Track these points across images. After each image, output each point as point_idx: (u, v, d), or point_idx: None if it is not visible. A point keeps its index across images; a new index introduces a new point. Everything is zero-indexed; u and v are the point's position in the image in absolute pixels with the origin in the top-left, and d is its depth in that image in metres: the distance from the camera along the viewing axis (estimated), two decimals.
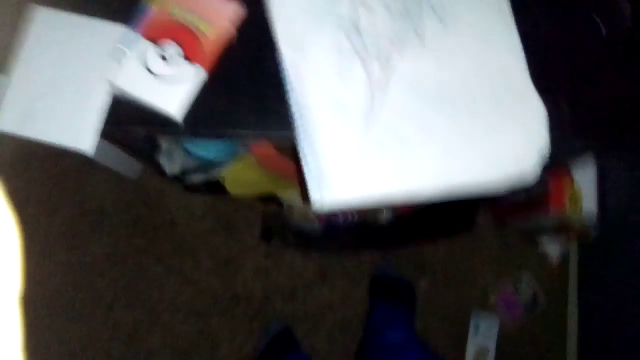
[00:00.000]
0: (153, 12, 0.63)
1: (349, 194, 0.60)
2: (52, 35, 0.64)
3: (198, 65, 0.61)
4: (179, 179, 1.01)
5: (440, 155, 0.61)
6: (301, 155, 0.61)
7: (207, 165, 0.99)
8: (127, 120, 0.63)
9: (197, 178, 1.01)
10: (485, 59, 0.63)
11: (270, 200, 1.21)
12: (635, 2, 0.66)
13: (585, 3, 0.65)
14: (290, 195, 1.18)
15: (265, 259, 1.33)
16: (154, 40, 0.62)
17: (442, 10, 0.63)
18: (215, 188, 1.11)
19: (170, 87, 0.61)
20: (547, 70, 0.63)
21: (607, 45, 0.65)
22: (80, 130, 0.62)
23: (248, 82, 0.64)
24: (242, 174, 1.07)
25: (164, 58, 0.62)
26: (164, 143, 0.93)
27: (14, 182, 1.32)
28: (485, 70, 0.63)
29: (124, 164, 1.19)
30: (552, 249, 1.29)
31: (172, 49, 0.62)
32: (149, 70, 0.61)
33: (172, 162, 0.93)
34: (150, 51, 0.62)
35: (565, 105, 0.64)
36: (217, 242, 1.33)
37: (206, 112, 0.63)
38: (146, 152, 0.94)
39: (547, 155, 0.61)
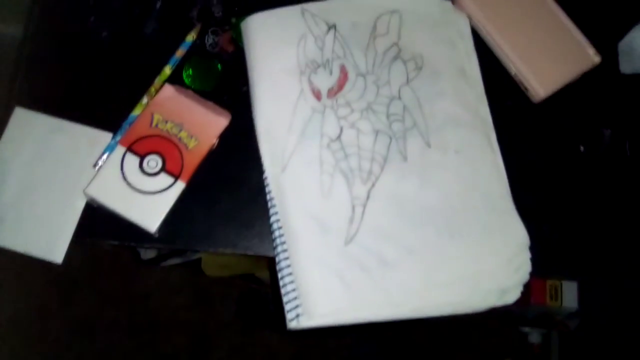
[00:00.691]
0: (138, 122, 0.62)
1: (326, 316, 0.58)
2: (29, 138, 0.63)
3: (178, 178, 0.60)
4: (154, 261, 0.98)
5: (420, 277, 0.60)
6: (278, 273, 0.60)
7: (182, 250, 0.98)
8: (101, 230, 0.62)
9: (173, 262, 0.99)
10: (468, 181, 0.63)
11: (248, 278, 1.19)
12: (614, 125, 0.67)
13: (570, 133, 0.66)
14: (267, 276, 1.16)
15: (242, 336, 1.29)
16: (135, 150, 0.61)
17: (427, 132, 0.63)
18: (192, 267, 1.09)
19: (148, 199, 0.60)
20: (529, 194, 0.64)
21: (586, 164, 0.66)
22: (51, 240, 0.60)
23: (229, 196, 0.63)
24: (220, 257, 1.05)
25: (143, 169, 0.60)
26: None
27: None
28: (469, 193, 0.63)
29: None
30: (534, 336, 1.27)
31: (153, 161, 0.60)
32: (127, 181, 0.60)
33: (147, 249, 0.91)
34: (130, 162, 0.60)
35: (547, 228, 0.64)
36: (192, 318, 1.29)
37: (183, 225, 0.61)
38: None
39: (529, 277, 0.61)
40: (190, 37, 0.66)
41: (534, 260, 0.60)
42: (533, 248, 0.61)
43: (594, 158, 0.65)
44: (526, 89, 0.67)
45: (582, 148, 0.65)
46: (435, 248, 0.61)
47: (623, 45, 0.67)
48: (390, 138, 0.63)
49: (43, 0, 0.69)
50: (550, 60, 0.66)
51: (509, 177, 0.63)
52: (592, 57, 0.66)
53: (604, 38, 0.67)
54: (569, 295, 1.08)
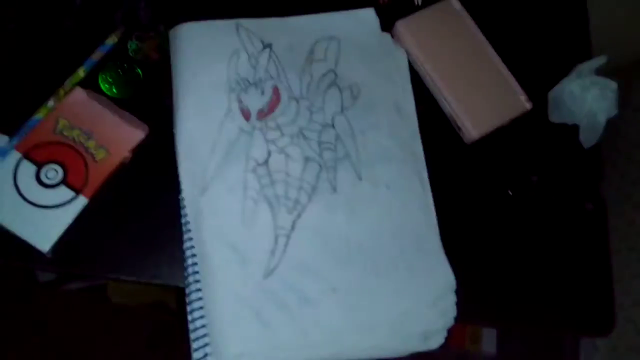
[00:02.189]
0: (39, 126, 0.55)
1: (236, 358, 0.53)
2: None
3: (80, 192, 0.53)
4: (52, 285, 0.88)
5: (341, 317, 0.56)
6: (188, 306, 0.54)
7: None
8: None
9: (74, 285, 0.90)
10: (398, 218, 0.60)
11: (159, 307, 1.10)
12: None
13: (500, 176, 0.66)
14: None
15: None
16: (33, 157, 0.53)
17: (359, 164, 0.61)
18: (97, 293, 0.99)
19: (42, 214, 0.52)
20: (456, 235, 0.62)
21: (513, 208, 0.66)
22: None
23: (139, 216, 0.56)
24: (127, 283, 0.97)
25: (40, 179, 0.53)
26: None
27: None
28: (397, 230, 0.60)
29: None
30: None
31: (52, 171, 0.53)
32: (20, 193, 0.52)
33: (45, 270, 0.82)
34: (26, 171, 0.53)
35: (474, 270, 0.63)
36: (96, 349, 1.17)
37: (83, 246, 0.54)
38: None
39: (454, 321, 0.59)
40: (111, 40, 0.61)
41: (459, 304, 0.58)
42: (459, 291, 0.59)
43: (521, 202, 0.65)
44: (459, 128, 0.66)
45: (510, 192, 0.65)
46: (360, 287, 0.57)
47: (552, 95, 0.68)
48: (321, 167, 0.60)
49: None
50: (484, 102, 0.67)
51: (438, 216, 0.62)
52: (524, 103, 0.67)
53: (536, 87, 0.68)
54: (488, 339, 1.08)
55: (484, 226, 0.65)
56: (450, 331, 0.60)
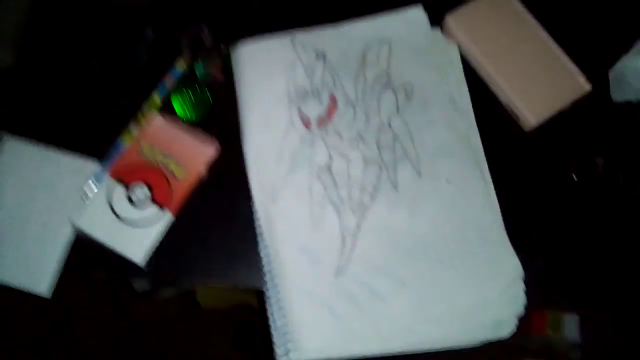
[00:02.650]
0: (126, 151, 0.61)
1: (316, 351, 0.57)
2: (19, 168, 0.62)
3: (165, 209, 0.59)
4: (149, 294, 0.97)
5: (412, 310, 0.59)
6: (267, 306, 0.59)
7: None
8: (89, 262, 0.61)
9: (167, 293, 0.98)
10: (460, 211, 0.62)
11: (245, 308, 1.17)
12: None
13: (563, 162, 0.65)
14: None
15: None
16: (123, 180, 0.60)
17: (418, 162, 0.63)
18: (187, 299, 1.07)
19: (135, 230, 0.59)
20: (521, 224, 0.62)
21: (579, 193, 0.65)
22: (38, 272, 0.59)
23: (218, 227, 0.62)
24: (215, 287, 1.04)
25: (130, 200, 0.60)
26: None
27: None
28: (460, 223, 0.61)
29: None
30: None
31: (140, 191, 0.60)
32: (115, 213, 0.59)
33: (139, 279, 0.90)
34: (117, 192, 0.60)
35: (541, 259, 0.62)
36: (188, 350, 1.27)
37: (171, 257, 0.60)
38: None
39: (523, 309, 0.59)
40: (180, 66, 0.66)
41: (529, 292, 0.59)
42: (527, 280, 0.59)
43: (587, 187, 0.64)
44: (517, 117, 0.66)
45: (574, 177, 0.64)
46: (428, 280, 0.59)
47: (614, 73, 0.66)
48: (381, 167, 0.62)
49: (35, 27, 0.70)
50: (541, 88, 0.66)
51: (501, 207, 0.62)
52: (583, 85, 0.66)
53: (595, 67, 0.67)
54: (570, 326, 1.05)
55: (551, 212, 0.64)
56: (530, 318, 0.61)
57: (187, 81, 0.66)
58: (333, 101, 0.65)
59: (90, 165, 0.62)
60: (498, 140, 0.66)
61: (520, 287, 0.59)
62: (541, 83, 0.66)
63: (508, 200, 0.63)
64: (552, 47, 0.68)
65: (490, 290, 0.59)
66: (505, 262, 0.60)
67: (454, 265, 0.60)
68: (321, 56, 0.66)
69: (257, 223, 0.61)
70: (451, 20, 0.69)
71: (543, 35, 0.68)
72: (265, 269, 0.59)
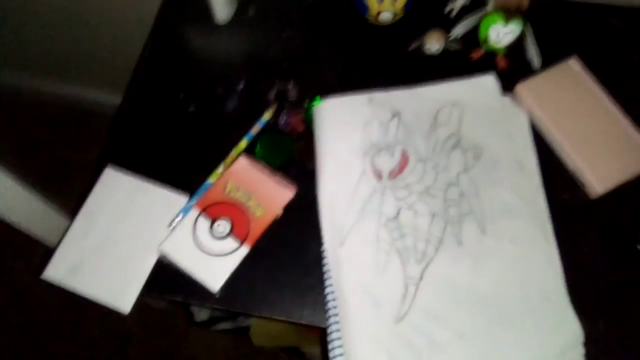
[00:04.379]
0: (212, 188, 0.68)
1: None
2: (116, 195, 0.70)
3: (243, 244, 0.64)
4: (206, 324, 1.01)
5: None
6: (329, 344, 0.61)
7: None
8: (168, 287, 0.66)
9: (224, 325, 1.02)
10: (523, 269, 0.63)
11: (293, 351, 1.19)
12: None
13: (628, 230, 0.66)
14: (313, 350, 1.15)
15: None
16: (208, 214, 0.66)
17: (483, 220, 0.65)
18: (240, 334, 1.11)
19: (214, 261, 0.64)
20: (584, 288, 0.63)
21: None
22: (122, 291, 0.65)
23: (288, 264, 0.66)
24: (269, 326, 1.07)
25: (212, 232, 0.65)
26: None
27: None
28: (522, 280, 0.63)
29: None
30: None
31: (222, 226, 0.65)
32: (197, 243, 0.65)
33: (201, 309, 0.95)
34: (202, 225, 0.66)
35: (602, 324, 0.62)
36: None
37: (243, 288, 0.65)
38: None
39: None
40: (267, 116, 0.73)
41: (588, 357, 0.59)
42: (587, 344, 0.59)
43: None
44: (583, 184, 0.68)
45: (639, 247, 0.65)
46: (486, 335, 0.61)
47: None
48: (446, 222, 0.65)
49: (142, 74, 0.79)
50: (608, 158, 0.68)
51: (564, 270, 0.64)
52: None
53: None
54: None
55: (614, 281, 0.64)
56: None
57: (272, 129, 0.73)
58: (405, 157, 0.69)
59: (179, 198, 0.69)
60: (564, 205, 0.67)
61: (580, 351, 0.59)
62: (609, 153, 0.68)
63: (571, 264, 0.64)
64: (620, 119, 0.70)
65: (549, 350, 0.60)
66: (566, 324, 0.61)
67: (514, 322, 0.61)
68: (396, 115, 0.71)
69: (324, 264, 0.64)
70: (522, 89, 0.73)
71: (611, 107, 0.71)
72: (330, 308, 0.62)
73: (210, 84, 0.77)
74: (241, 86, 0.77)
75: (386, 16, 0.77)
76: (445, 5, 0.81)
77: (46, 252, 0.68)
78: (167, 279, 0.66)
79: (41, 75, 1.57)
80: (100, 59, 1.41)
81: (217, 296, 0.64)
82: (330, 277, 0.64)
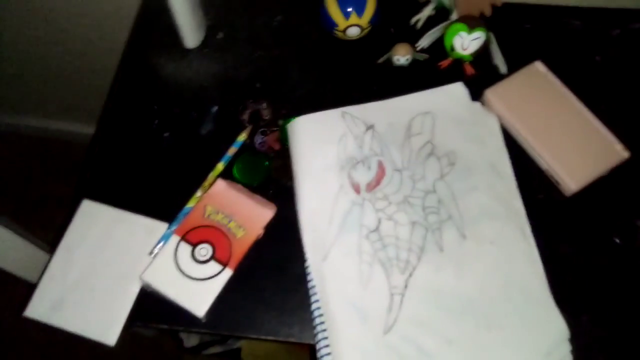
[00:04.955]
0: (192, 213, 0.67)
1: None
2: (94, 227, 0.69)
3: (226, 266, 0.64)
4: (197, 349, 1.00)
5: None
6: None
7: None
8: (153, 315, 0.65)
9: (214, 350, 1.01)
10: (505, 271, 0.64)
11: None
12: None
13: (605, 225, 0.68)
14: None
15: None
16: (188, 239, 0.66)
17: (462, 224, 0.66)
18: (231, 356, 1.10)
19: (198, 286, 0.64)
20: (565, 285, 0.64)
21: (623, 256, 0.66)
22: (107, 324, 0.64)
23: (273, 283, 0.66)
24: (260, 347, 1.06)
25: (194, 257, 0.65)
26: None
27: None
28: (505, 282, 0.64)
29: None
30: None
31: (204, 250, 0.65)
32: (180, 269, 0.64)
33: (190, 335, 0.94)
34: (183, 250, 0.65)
35: (585, 318, 0.63)
36: None
37: (228, 311, 0.64)
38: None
39: None
40: (242, 137, 0.74)
41: (574, 353, 0.60)
42: (573, 340, 0.60)
43: (630, 250, 0.66)
44: (557, 182, 0.70)
45: (617, 240, 0.66)
46: (474, 339, 0.61)
47: None
48: (427, 229, 0.66)
49: (114, 104, 0.79)
50: (579, 156, 0.70)
51: (545, 268, 0.64)
52: (621, 152, 0.69)
53: (632, 134, 0.70)
54: None
55: (594, 275, 0.66)
56: None
57: (248, 150, 0.73)
58: (381, 168, 0.70)
59: (159, 225, 0.68)
60: (540, 205, 0.69)
61: (567, 348, 0.60)
62: (579, 151, 0.70)
63: (552, 262, 0.65)
64: (589, 117, 0.72)
65: (537, 350, 0.60)
66: (552, 322, 0.62)
67: (500, 325, 0.61)
68: (370, 127, 0.72)
69: (309, 280, 0.64)
70: (490, 94, 0.74)
71: (579, 106, 0.73)
72: (317, 325, 0.62)
73: (184, 109, 0.78)
74: (215, 109, 0.77)
75: (353, 31, 0.78)
76: (410, 16, 0.83)
77: (28, 289, 0.67)
78: (151, 307, 0.65)
79: (15, 108, 1.56)
80: (72, 90, 1.40)
81: (202, 321, 0.64)
82: (315, 293, 0.64)
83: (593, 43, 0.82)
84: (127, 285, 0.66)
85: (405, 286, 0.63)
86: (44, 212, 1.45)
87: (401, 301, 0.62)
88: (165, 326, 0.65)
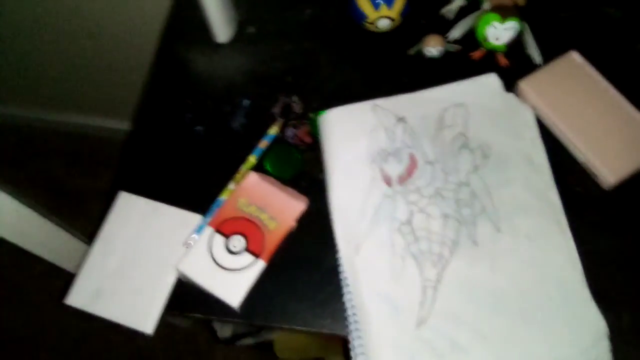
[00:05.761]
0: (225, 205, 0.68)
1: None
2: (131, 218, 0.71)
3: (259, 258, 0.65)
4: (230, 341, 1.02)
5: None
6: (351, 352, 0.62)
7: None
8: (189, 305, 0.67)
9: (247, 341, 1.02)
10: (541, 266, 0.63)
11: None
12: None
13: None
14: None
15: None
16: (222, 231, 0.67)
17: (497, 219, 0.65)
18: (264, 349, 1.11)
19: (232, 277, 0.65)
20: (604, 281, 0.63)
21: None
22: (144, 313, 0.66)
23: (305, 275, 0.66)
24: (292, 339, 1.07)
25: (228, 248, 0.66)
26: None
27: None
28: (541, 277, 0.63)
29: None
30: None
31: (237, 241, 0.66)
32: (214, 260, 0.65)
33: (223, 326, 0.95)
34: (217, 242, 0.66)
35: (627, 315, 0.62)
36: None
37: (262, 302, 0.65)
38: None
39: None
40: (273, 131, 0.74)
41: (615, 351, 0.58)
42: (613, 338, 0.59)
43: None
44: (595, 175, 0.68)
45: None
46: (508, 334, 0.60)
47: None
48: (460, 223, 0.65)
49: (148, 100, 0.80)
50: (618, 147, 0.68)
51: (583, 264, 0.63)
52: None
53: None
54: None
55: (635, 272, 0.64)
56: None
57: (280, 143, 0.74)
58: (413, 161, 0.69)
59: (193, 218, 0.69)
60: (578, 198, 0.67)
61: (605, 345, 0.59)
62: (618, 143, 0.68)
63: (590, 257, 0.63)
64: (627, 108, 0.70)
65: (574, 347, 0.59)
66: (589, 318, 0.61)
67: (536, 320, 0.61)
68: (401, 119, 0.72)
69: (341, 272, 0.65)
70: (525, 85, 0.73)
71: (617, 97, 0.71)
72: (350, 317, 0.63)
73: (216, 103, 0.79)
74: (246, 103, 0.78)
75: (384, 23, 0.78)
76: (442, 7, 0.82)
77: (67, 279, 0.69)
78: (186, 297, 0.67)
79: (49, 106, 1.61)
80: (107, 87, 1.44)
81: (236, 311, 0.65)
82: (347, 286, 0.64)
83: (632, 31, 0.79)
84: (164, 275, 0.67)
85: (438, 280, 0.63)
86: (82, 205, 1.49)
87: (434, 295, 0.62)
88: (200, 315, 0.67)
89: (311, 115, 0.75)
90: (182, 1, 0.89)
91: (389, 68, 0.79)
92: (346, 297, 0.63)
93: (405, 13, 0.78)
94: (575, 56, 0.74)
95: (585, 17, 0.81)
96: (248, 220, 0.67)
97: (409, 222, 0.66)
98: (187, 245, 0.67)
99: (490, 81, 0.74)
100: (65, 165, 1.65)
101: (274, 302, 0.65)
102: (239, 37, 0.84)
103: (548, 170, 0.69)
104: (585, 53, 0.74)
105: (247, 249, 0.66)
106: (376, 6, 0.76)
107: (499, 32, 0.73)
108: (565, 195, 0.67)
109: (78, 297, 0.67)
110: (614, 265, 0.64)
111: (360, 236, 0.66)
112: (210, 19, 0.79)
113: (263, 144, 0.74)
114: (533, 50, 0.76)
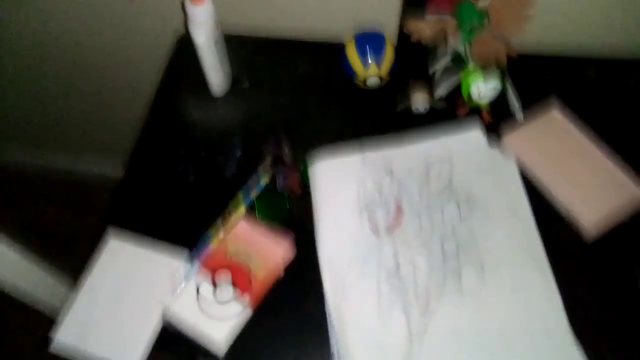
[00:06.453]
0: (213, 251, 0.69)
1: None
2: (119, 264, 0.71)
3: (246, 303, 0.65)
4: None
5: None
6: None
7: None
8: (172, 350, 0.66)
9: None
10: (525, 315, 0.64)
11: None
12: None
13: (627, 268, 0.67)
14: None
15: None
16: (210, 278, 0.67)
17: (482, 268, 0.66)
18: None
19: (218, 321, 0.64)
20: (587, 326, 0.63)
21: None
22: (129, 352, 0.64)
23: (293, 322, 0.66)
24: None
25: (216, 296, 0.66)
26: None
27: None
28: (526, 327, 0.63)
29: None
30: None
31: (225, 289, 0.66)
32: (201, 307, 0.65)
33: None
34: (204, 286, 0.66)
35: (608, 355, 0.62)
36: None
37: (249, 350, 0.64)
38: None
39: None
40: (264, 181, 0.76)
41: None
42: None
43: None
44: (577, 227, 0.70)
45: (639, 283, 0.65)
46: None
47: None
48: (446, 273, 0.66)
49: (142, 149, 0.82)
50: (599, 200, 0.70)
51: (566, 309, 0.64)
52: None
53: None
54: None
55: (617, 319, 0.64)
56: None
57: (270, 191, 0.75)
58: (400, 212, 0.71)
59: (182, 265, 0.70)
60: (560, 248, 0.68)
61: None
62: (599, 196, 0.70)
63: (573, 304, 0.64)
64: (607, 163, 0.73)
65: None
66: (571, 357, 0.61)
67: None
68: (389, 172, 0.74)
69: (329, 320, 0.65)
70: (508, 141, 0.76)
71: (597, 152, 0.74)
72: None
73: (209, 153, 0.81)
74: (239, 153, 0.80)
75: (373, 81, 0.82)
76: (427, 65, 0.86)
77: (50, 326, 0.68)
78: (172, 343, 0.66)
79: (42, 150, 1.64)
80: (101, 134, 1.47)
81: (221, 357, 0.64)
82: (335, 334, 0.64)
83: (606, 91, 0.83)
84: (149, 322, 0.66)
85: (425, 329, 0.63)
86: (70, 249, 1.48)
87: (421, 344, 0.62)
88: (184, 356, 0.66)
89: (301, 165, 0.77)
90: (180, 55, 0.93)
91: (378, 122, 0.82)
92: (333, 345, 0.63)
93: (393, 72, 0.82)
94: (556, 113, 0.77)
95: (565, 76, 0.86)
96: (237, 268, 0.67)
97: (396, 272, 0.66)
98: (175, 292, 0.67)
99: (475, 136, 0.77)
100: (54, 209, 1.68)
101: (259, 350, 0.65)
102: (234, 90, 0.88)
103: (532, 221, 0.70)
104: (566, 110, 0.78)
105: (235, 297, 0.66)
106: (366, 65, 0.80)
107: (483, 92, 0.77)
108: (549, 246, 0.68)
109: (64, 338, 0.66)
110: (596, 312, 0.65)
111: (347, 285, 0.66)
112: (208, 74, 0.83)
113: (254, 193, 0.75)
114: (515, 108, 0.80)
